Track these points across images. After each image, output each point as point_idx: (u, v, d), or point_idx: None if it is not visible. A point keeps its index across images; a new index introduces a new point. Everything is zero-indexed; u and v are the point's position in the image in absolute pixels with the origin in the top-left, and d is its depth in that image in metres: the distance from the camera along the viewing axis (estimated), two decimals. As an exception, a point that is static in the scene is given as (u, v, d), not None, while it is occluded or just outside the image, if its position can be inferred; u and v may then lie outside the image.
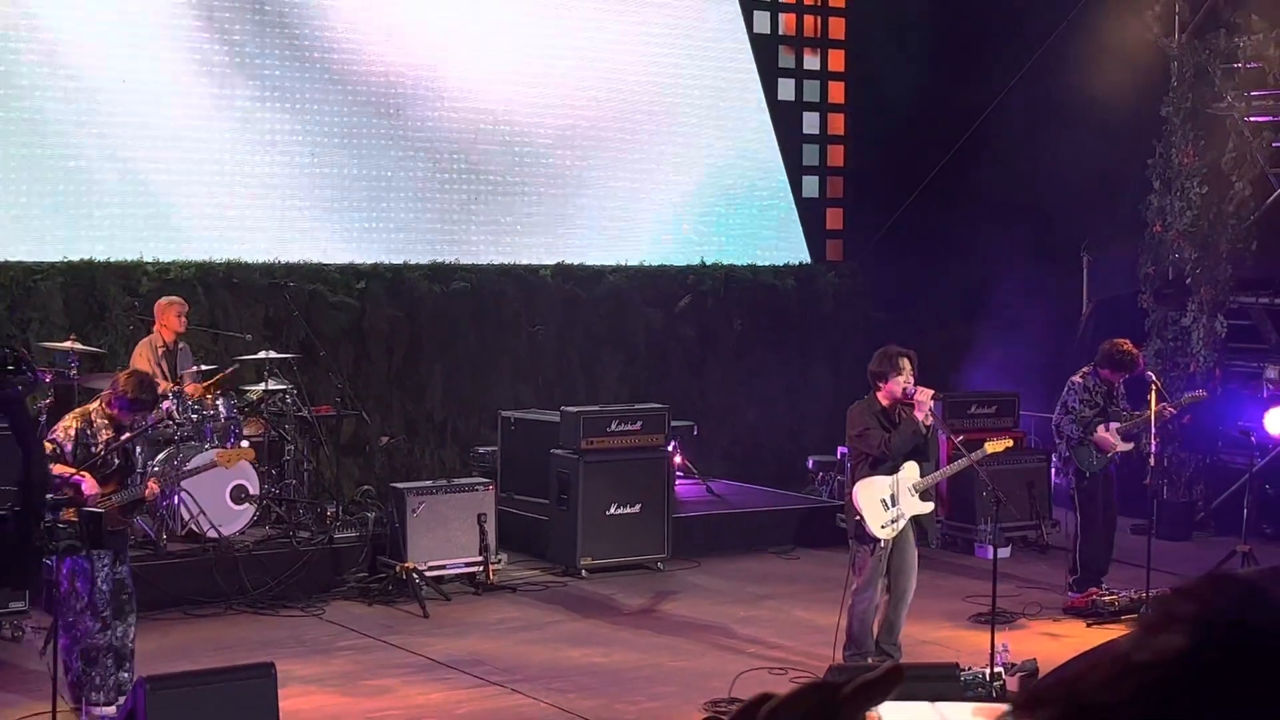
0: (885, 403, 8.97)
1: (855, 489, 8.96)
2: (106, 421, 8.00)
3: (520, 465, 13.10)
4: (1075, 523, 11.16)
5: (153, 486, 8.41)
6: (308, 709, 8.67)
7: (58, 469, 7.87)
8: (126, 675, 7.87)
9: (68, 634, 7.76)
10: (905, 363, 8.93)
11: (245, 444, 11.28)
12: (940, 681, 7.57)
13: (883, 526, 8.88)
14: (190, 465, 10.25)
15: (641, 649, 10.06)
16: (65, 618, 7.70)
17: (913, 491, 8.94)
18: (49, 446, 7.95)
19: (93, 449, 7.93)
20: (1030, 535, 13.21)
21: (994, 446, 9.42)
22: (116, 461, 8.10)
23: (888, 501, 8.92)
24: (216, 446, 10.92)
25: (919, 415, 8.84)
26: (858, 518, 8.92)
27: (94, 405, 8.18)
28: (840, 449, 12.69)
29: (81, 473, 7.69)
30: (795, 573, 12.38)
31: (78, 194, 13.00)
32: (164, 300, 11.79)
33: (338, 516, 11.89)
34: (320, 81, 14.02)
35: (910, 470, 8.98)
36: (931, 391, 8.93)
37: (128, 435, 8.10)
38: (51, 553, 6.61)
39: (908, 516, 8.97)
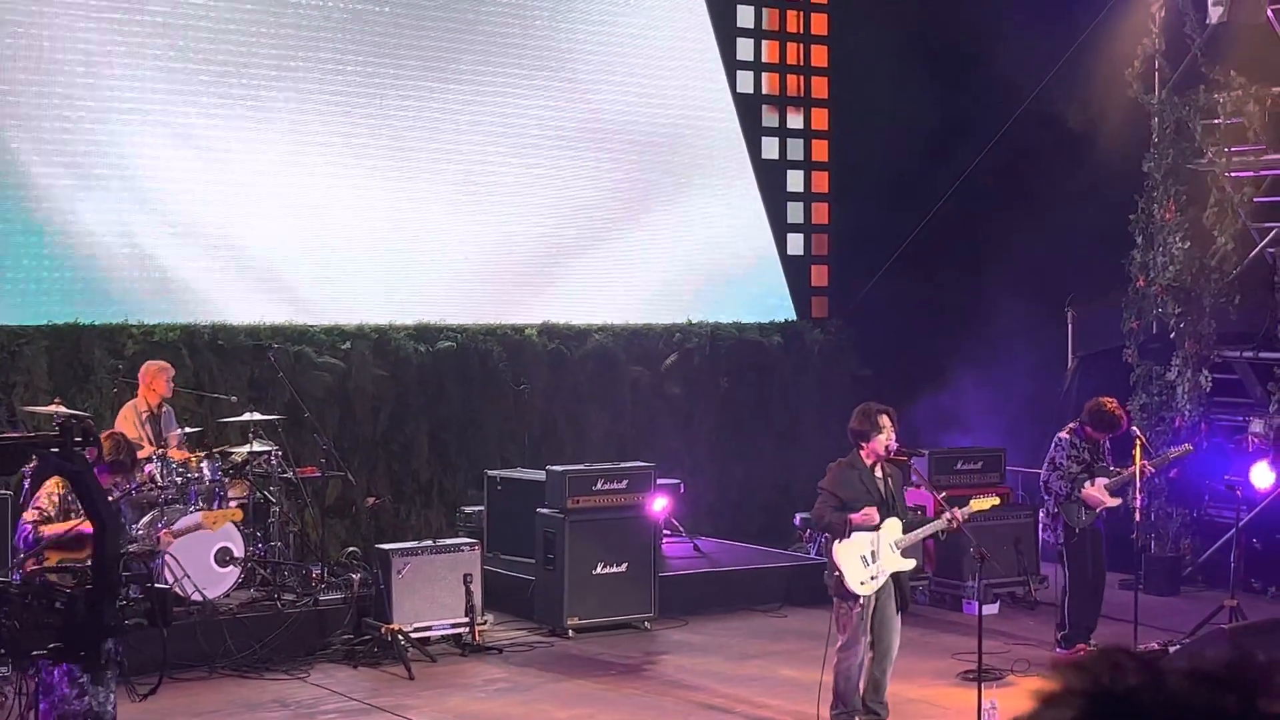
0: (869, 461, 8.96)
1: (835, 546, 8.93)
2: None
3: (506, 525, 13.07)
4: (1064, 579, 11.14)
5: (166, 535, 8.35)
6: (291, 773, 8.60)
7: (50, 530, 7.85)
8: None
9: (46, 698, 7.70)
10: (885, 420, 8.93)
11: (233, 504, 11.26)
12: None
13: (862, 583, 8.83)
14: (175, 526, 10.20)
15: (628, 709, 10.01)
16: (45, 681, 7.64)
17: (893, 548, 8.91)
18: (34, 514, 7.92)
19: (73, 515, 7.90)
20: (1018, 591, 13.18)
21: (980, 504, 9.35)
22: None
23: (867, 558, 8.89)
24: (202, 509, 10.88)
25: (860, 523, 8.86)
26: (837, 574, 8.89)
27: (75, 469, 8.14)
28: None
29: (82, 523, 7.65)
30: (783, 630, 12.34)
31: (62, 257, 13.00)
32: (154, 365, 11.74)
33: (323, 578, 11.83)
34: (306, 145, 14.07)
35: (892, 527, 8.95)
36: (875, 518, 8.89)
37: (111, 499, 8.06)
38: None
39: (889, 573, 8.93)
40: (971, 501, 9.33)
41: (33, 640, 4.47)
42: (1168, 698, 0.88)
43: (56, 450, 4.09)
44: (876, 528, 8.88)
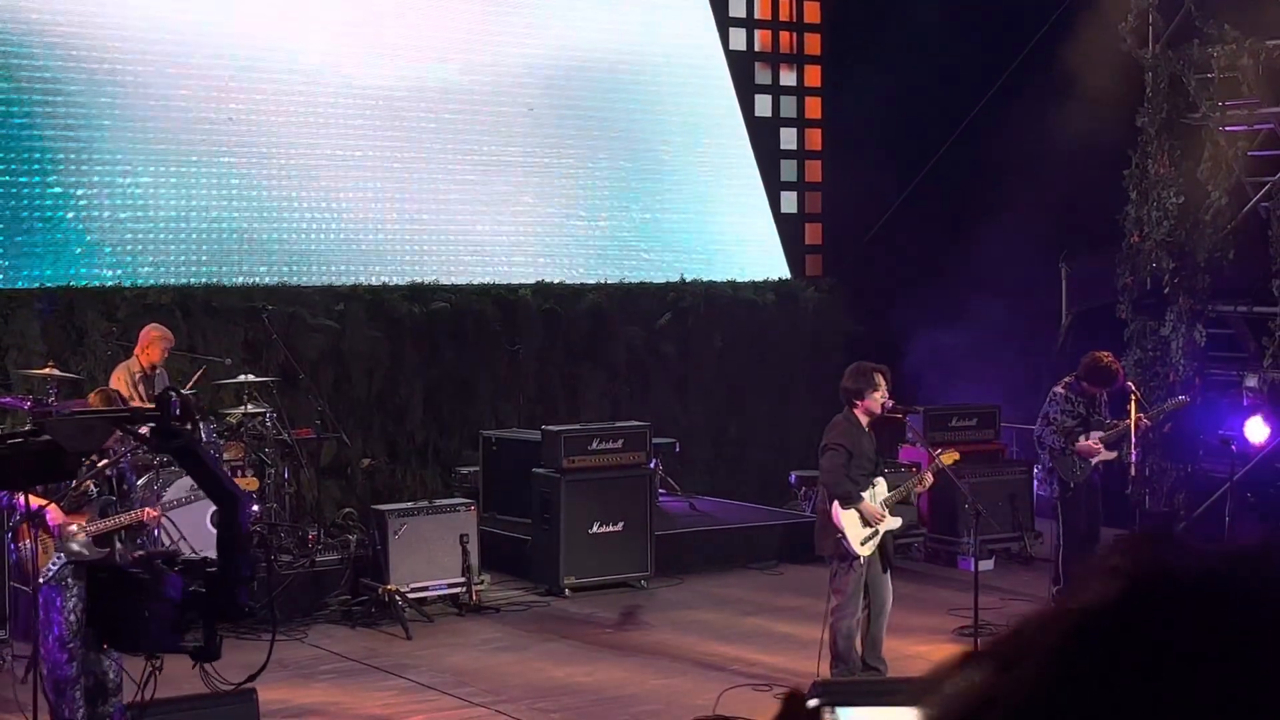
0: (864, 419, 8.99)
1: (834, 507, 8.94)
2: None
3: (502, 485, 13.08)
4: (1059, 534, 11.16)
5: (150, 513, 8.25)
6: (290, 734, 8.63)
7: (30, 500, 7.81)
8: (110, 709, 7.76)
9: (45, 662, 7.70)
10: (879, 378, 8.95)
11: (250, 476, 11.23)
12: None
13: (863, 543, 8.88)
14: (178, 495, 10.13)
15: (625, 667, 10.05)
16: (40, 646, 7.63)
17: (884, 507, 8.97)
18: None
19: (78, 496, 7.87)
20: (1013, 547, 13.22)
21: (947, 458, 9.45)
22: (95, 490, 8.02)
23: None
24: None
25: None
26: (839, 535, 8.89)
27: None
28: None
29: (48, 504, 7.61)
30: (779, 588, 12.37)
31: (55, 220, 12.96)
32: (155, 331, 11.60)
33: (319, 539, 11.85)
34: (298, 106, 14.01)
35: (881, 486, 9.06)
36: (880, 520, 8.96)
37: (105, 462, 8.03)
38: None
39: (883, 532, 9.00)
40: (941, 456, 9.39)
41: (141, 627, 4.31)
42: (1209, 574, 0.92)
43: (155, 425, 3.86)
44: (868, 487, 8.97)
